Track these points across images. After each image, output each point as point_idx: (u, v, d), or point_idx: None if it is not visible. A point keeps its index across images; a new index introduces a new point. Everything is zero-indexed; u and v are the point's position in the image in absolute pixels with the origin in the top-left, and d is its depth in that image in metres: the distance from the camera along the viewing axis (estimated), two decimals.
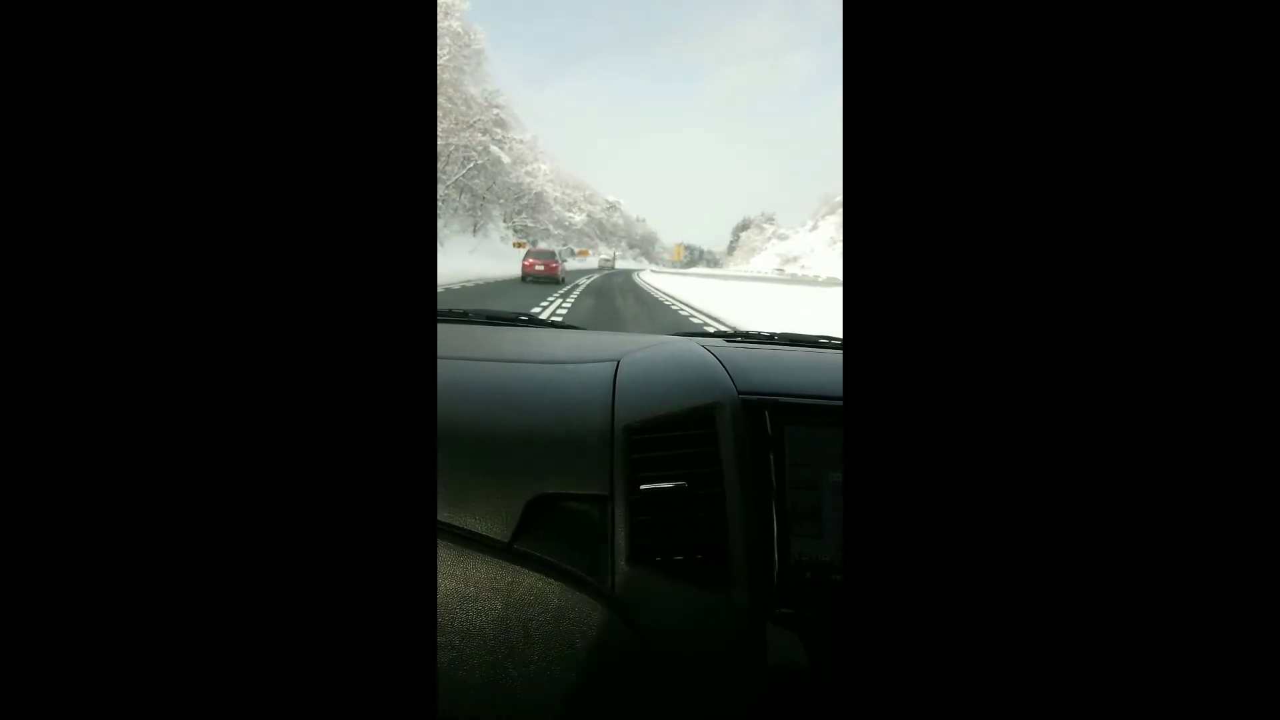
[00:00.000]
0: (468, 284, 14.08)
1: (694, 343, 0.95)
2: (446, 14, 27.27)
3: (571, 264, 31.80)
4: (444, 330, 1.00)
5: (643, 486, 0.62)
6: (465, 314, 1.20)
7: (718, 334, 1.19)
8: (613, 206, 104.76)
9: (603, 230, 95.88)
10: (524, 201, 47.67)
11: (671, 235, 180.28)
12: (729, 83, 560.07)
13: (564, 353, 0.89)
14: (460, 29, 28.15)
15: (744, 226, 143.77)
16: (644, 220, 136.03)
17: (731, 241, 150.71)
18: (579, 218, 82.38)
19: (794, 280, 37.10)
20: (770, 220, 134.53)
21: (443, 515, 0.59)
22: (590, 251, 66.65)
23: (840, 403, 0.65)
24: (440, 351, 0.76)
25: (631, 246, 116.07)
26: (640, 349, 0.89)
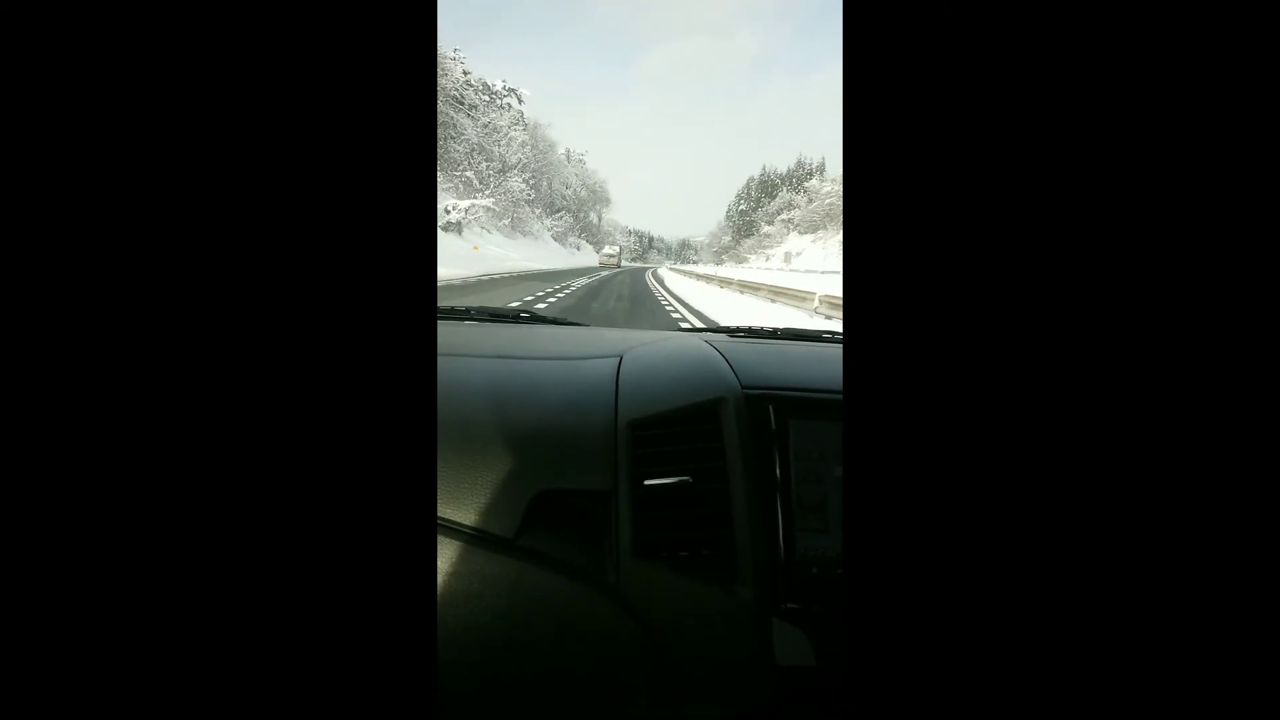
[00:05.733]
0: None
1: (697, 338, 0.94)
2: None
3: None
4: (446, 328, 1.00)
5: (647, 482, 0.61)
6: (467, 311, 1.23)
7: (720, 329, 1.17)
8: (512, 112, 44.42)
9: (481, 149, 33.55)
10: None
11: (621, 214, 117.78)
12: (672, 56, 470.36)
13: (566, 349, 0.87)
14: None
15: (762, 190, 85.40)
16: (583, 161, 75.30)
17: (734, 217, 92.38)
18: None
19: None
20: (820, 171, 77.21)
21: (447, 512, 0.58)
22: None
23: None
24: (442, 349, 0.76)
25: (553, 211, 56.14)
26: (643, 344, 0.88)
